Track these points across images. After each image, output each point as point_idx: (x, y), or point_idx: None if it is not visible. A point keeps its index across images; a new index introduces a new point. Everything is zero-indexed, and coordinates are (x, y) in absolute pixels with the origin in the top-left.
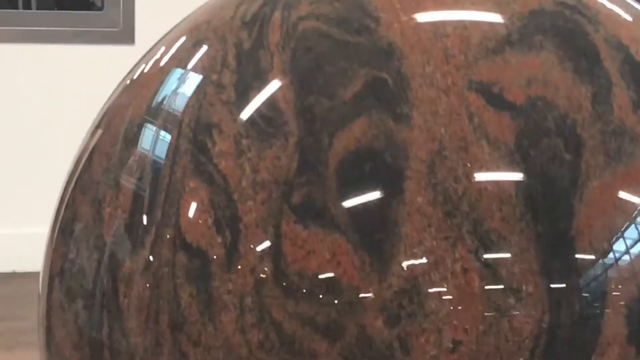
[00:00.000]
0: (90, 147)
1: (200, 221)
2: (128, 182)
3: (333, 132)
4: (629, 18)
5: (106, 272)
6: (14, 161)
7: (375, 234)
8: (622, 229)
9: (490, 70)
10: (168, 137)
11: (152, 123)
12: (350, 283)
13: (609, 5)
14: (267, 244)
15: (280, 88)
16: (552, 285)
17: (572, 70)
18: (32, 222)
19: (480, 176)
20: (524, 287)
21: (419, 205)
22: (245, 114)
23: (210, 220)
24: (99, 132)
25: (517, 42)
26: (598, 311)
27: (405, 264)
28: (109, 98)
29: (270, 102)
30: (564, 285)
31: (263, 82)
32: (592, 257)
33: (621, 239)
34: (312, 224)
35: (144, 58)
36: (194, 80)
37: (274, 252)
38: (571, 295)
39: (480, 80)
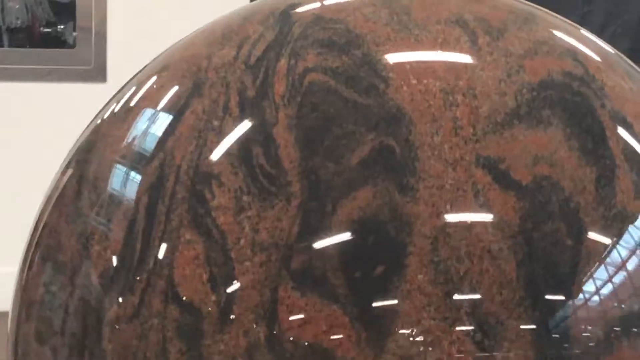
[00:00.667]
0: (76, 176)
1: (194, 276)
2: (119, 224)
3: (337, 199)
4: (633, 89)
5: (91, 312)
6: None
7: (373, 309)
8: (617, 319)
9: (498, 146)
10: (164, 181)
11: (147, 163)
12: (345, 357)
13: (614, 75)
14: (262, 307)
15: (284, 145)
16: None
17: (578, 149)
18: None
19: (482, 257)
20: None
21: (420, 283)
22: (247, 169)
23: (205, 277)
24: (81, 166)
25: (526, 116)
26: None
27: (401, 342)
28: (83, 133)
29: (274, 159)
30: None
31: (267, 137)
32: (588, 345)
33: (616, 330)
34: (310, 292)
35: (118, 95)
36: (194, 122)
37: (269, 317)
38: None
39: (488, 155)
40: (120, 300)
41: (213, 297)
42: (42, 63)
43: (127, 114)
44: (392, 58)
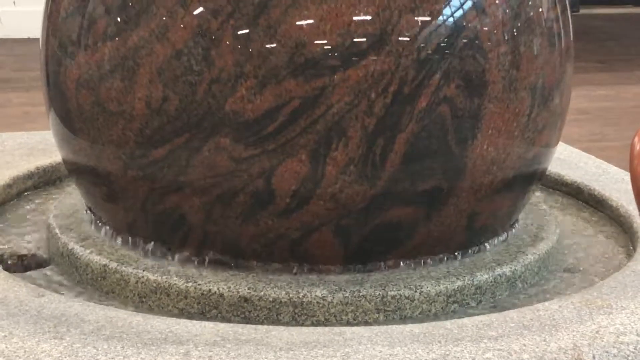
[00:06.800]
0: None
1: (286, 181)
2: (268, 99)
3: (395, 135)
4: None
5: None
6: None
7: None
8: None
9: None
10: (318, 102)
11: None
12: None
13: None
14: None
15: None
16: None
17: None
18: None
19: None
20: None
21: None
22: (364, 157)
23: (293, 188)
24: None
25: None
26: None
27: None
28: None
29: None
30: None
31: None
32: None
33: None
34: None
35: None
36: None
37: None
38: None
39: None
40: (234, 141)
41: (287, 200)
42: None
43: None
44: None
